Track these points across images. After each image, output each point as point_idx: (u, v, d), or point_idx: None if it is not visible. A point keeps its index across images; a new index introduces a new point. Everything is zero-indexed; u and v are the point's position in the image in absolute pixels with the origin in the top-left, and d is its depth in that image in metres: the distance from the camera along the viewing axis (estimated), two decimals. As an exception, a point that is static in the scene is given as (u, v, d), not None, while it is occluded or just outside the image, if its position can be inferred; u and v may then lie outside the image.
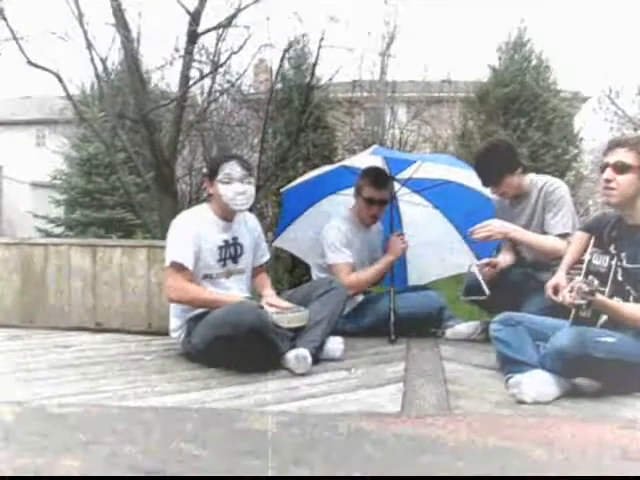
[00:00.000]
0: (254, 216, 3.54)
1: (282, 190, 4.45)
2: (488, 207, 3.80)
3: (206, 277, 3.20)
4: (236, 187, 3.18)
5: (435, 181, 4.08)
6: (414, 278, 4.38)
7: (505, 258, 3.67)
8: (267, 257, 3.56)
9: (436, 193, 4.20)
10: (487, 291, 3.40)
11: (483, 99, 10.65)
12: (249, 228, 3.40)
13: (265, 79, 10.33)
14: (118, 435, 1.99)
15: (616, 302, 2.54)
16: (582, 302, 2.42)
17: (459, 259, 4.13)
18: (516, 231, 3.44)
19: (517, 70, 10.35)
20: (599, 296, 2.47)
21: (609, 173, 2.61)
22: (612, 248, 2.66)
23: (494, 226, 3.40)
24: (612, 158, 2.63)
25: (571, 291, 2.49)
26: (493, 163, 3.50)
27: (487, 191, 3.84)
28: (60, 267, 4.16)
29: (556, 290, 2.77)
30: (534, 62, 10.61)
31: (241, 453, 1.82)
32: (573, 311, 2.54)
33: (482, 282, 3.44)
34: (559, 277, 2.82)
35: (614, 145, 2.68)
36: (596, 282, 2.46)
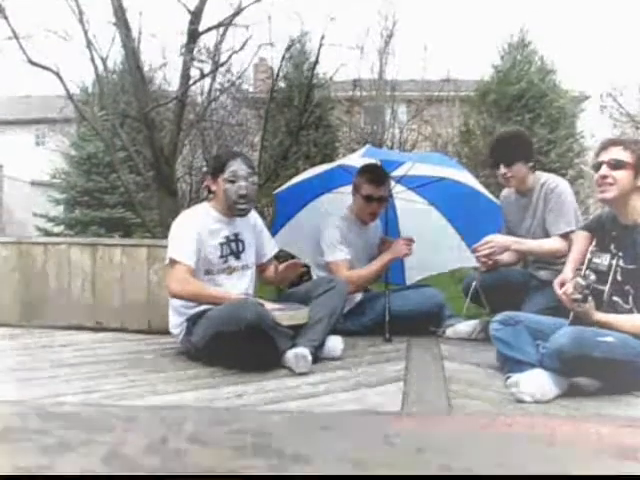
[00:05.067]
0: (255, 212, 3.55)
1: (275, 192, 4.46)
2: (484, 203, 3.84)
3: (208, 273, 3.21)
4: (241, 187, 3.20)
5: (429, 178, 4.13)
6: (411, 274, 4.40)
7: (505, 257, 3.68)
8: (273, 253, 3.57)
9: (430, 190, 4.25)
10: (487, 308, 3.64)
11: (485, 98, 10.66)
12: (250, 224, 3.42)
13: (265, 78, 10.34)
14: (118, 434, 1.99)
15: (613, 317, 2.55)
16: (578, 296, 2.46)
17: (455, 254, 4.19)
18: (517, 242, 3.52)
19: (522, 70, 10.38)
20: (599, 315, 2.52)
21: (605, 169, 2.68)
22: (612, 247, 2.67)
23: (496, 242, 3.45)
24: (607, 156, 2.70)
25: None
26: (511, 145, 3.61)
27: (482, 188, 3.88)
28: (60, 266, 4.17)
29: (563, 286, 2.78)
30: (538, 63, 10.64)
31: (241, 452, 1.81)
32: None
33: (484, 299, 3.60)
34: (566, 274, 2.83)
35: (608, 144, 2.75)
36: (593, 277, 2.52)
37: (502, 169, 3.61)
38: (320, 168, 4.30)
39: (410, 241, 3.86)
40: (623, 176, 2.65)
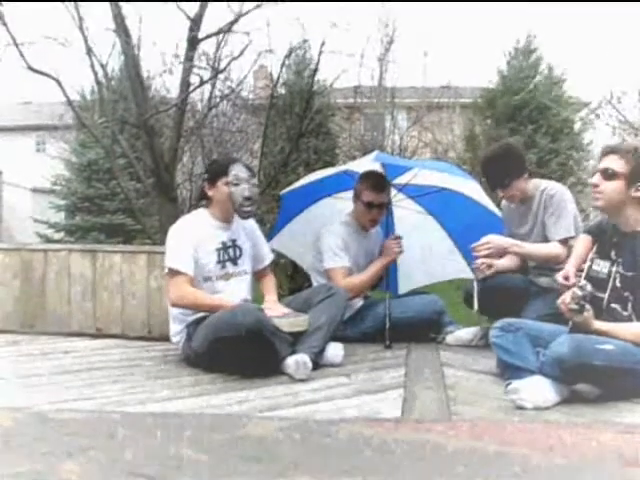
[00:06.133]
0: (251, 219, 3.55)
1: (282, 193, 4.46)
2: (484, 215, 3.82)
3: (206, 280, 3.22)
4: (245, 189, 3.22)
5: (432, 188, 4.09)
6: (404, 283, 4.37)
7: (505, 262, 3.68)
8: (270, 259, 3.58)
9: (432, 200, 4.21)
10: (476, 306, 3.59)
11: (491, 105, 10.66)
12: (247, 230, 3.42)
13: (265, 85, 10.36)
14: (118, 441, 1.99)
15: (612, 325, 2.55)
16: (575, 307, 2.46)
17: (450, 266, 4.16)
18: (515, 245, 3.49)
19: (526, 78, 10.36)
20: (598, 324, 2.51)
21: (597, 178, 2.67)
22: (613, 254, 2.67)
23: (494, 242, 3.43)
24: (602, 164, 2.68)
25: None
26: (504, 166, 3.56)
27: (485, 200, 3.87)
28: (60, 273, 4.17)
29: (566, 278, 2.77)
30: (545, 72, 10.63)
31: (241, 459, 1.81)
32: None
33: (475, 297, 3.57)
34: (568, 269, 2.82)
35: (607, 152, 2.72)
36: (589, 287, 2.50)
37: (501, 192, 3.62)
38: (327, 172, 4.30)
39: (397, 238, 3.86)
40: (612, 187, 2.63)
